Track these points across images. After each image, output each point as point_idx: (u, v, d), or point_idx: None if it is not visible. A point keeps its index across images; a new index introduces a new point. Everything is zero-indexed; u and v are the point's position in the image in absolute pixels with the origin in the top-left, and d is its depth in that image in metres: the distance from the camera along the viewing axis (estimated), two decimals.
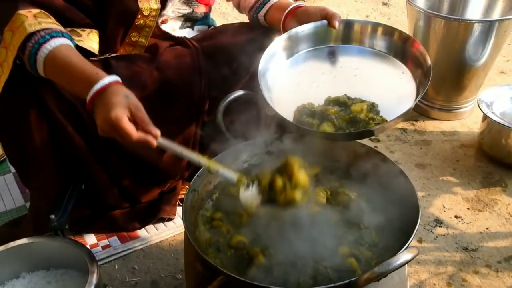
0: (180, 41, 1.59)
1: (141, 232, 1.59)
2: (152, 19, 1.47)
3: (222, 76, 1.54)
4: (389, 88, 1.33)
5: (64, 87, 1.30)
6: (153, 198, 1.64)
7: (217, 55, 1.53)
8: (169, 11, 1.55)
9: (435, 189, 1.79)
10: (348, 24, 1.44)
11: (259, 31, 1.58)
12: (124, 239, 1.56)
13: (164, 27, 1.58)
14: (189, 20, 1.66)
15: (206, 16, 1.70)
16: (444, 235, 1.60)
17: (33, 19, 1.22)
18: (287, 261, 1.07)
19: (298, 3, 1.55)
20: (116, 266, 1.49)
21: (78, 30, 1.36)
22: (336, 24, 1.42)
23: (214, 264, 1.02)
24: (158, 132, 1.11)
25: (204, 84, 1.54)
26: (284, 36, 1.42)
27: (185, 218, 1.12)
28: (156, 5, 1.45)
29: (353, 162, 1.29)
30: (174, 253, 1.54)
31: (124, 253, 1.53)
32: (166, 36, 1.59)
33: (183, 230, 1.59)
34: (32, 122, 1.34)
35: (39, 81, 1.31)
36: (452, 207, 1.71)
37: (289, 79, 1.39)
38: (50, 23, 1.24)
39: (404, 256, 0.91)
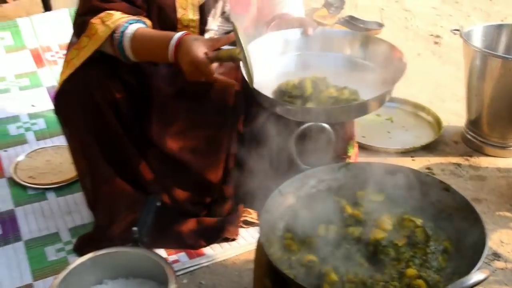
0: None
1: (207, 250, 1.68)
2: (193, 29, 1.58)
3: None
4: (367, 85, 1.48)
5: (152, 59, 1.51)
6: (203, 204, 1.74)
7: None
8: (212, 25, 1.65)
9: (491, 223, 1.81)
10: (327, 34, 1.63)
11: None
12: (191, 255, 1.66)
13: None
14: None
15: None
16: (502, 269, 1.62)
17: (102, 26, 1.44)
18: (358, 280, 1.13)
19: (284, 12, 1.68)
20: (185, 280, 1.59)
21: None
22: (310, 31, 1.58)
23: (291, 276, 1.09)
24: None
25: (240, 91, 1.62)
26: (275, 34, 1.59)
27: (262, 234, 1.21)
28: (194, 16, 1.56)
29: (417, 191, 1.35)
30: (238, 271, 1.62)
31: (192, 268, 1.62)
32: None
33: (246, 250, 1.68)
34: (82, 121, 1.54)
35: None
36: (510, 242, 1.73)
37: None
38: (117, 19, 1.45)
39: (476, 275, 0.96)
